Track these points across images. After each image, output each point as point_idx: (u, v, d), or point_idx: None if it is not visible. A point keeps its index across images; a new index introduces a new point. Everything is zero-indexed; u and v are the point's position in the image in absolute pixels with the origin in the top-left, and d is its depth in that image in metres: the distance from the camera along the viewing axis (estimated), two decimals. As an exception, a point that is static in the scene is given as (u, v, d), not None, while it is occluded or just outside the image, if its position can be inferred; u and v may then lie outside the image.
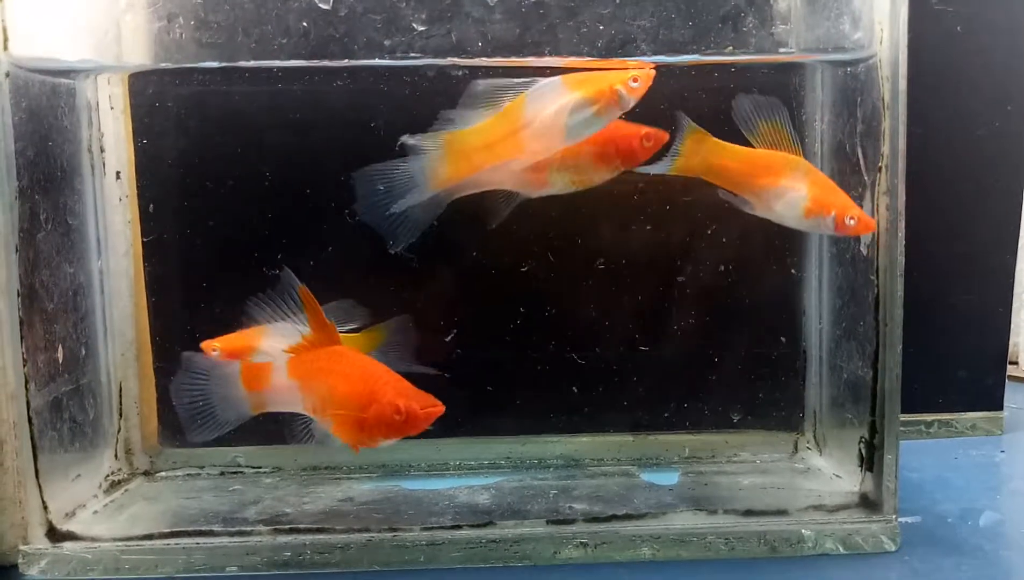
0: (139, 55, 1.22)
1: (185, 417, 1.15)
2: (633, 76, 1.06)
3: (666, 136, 1.12)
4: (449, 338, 1.38)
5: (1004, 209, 1.56)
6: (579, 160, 1.08)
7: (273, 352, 1.16)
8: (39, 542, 1.12)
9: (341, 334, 1.15)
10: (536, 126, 1.06)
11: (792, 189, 1.12)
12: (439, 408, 1.03)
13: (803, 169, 1.13)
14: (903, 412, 1.58)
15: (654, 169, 1.14)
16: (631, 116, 1.12)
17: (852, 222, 1.11)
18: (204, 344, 1.18)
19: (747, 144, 1.15)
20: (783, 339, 1.40)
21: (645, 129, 1.10)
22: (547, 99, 1.06)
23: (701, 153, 1.14)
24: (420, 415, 1.02)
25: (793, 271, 1.38)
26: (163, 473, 1.40)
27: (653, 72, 1.07)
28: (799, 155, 1.14)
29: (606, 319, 1.40)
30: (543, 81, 1.08)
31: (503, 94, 1.06)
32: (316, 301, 1.09)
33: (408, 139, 1.08)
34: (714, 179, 1.16)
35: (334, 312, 1.19)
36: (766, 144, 1.14)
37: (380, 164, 1.09)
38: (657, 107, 1.33)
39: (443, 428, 1.38)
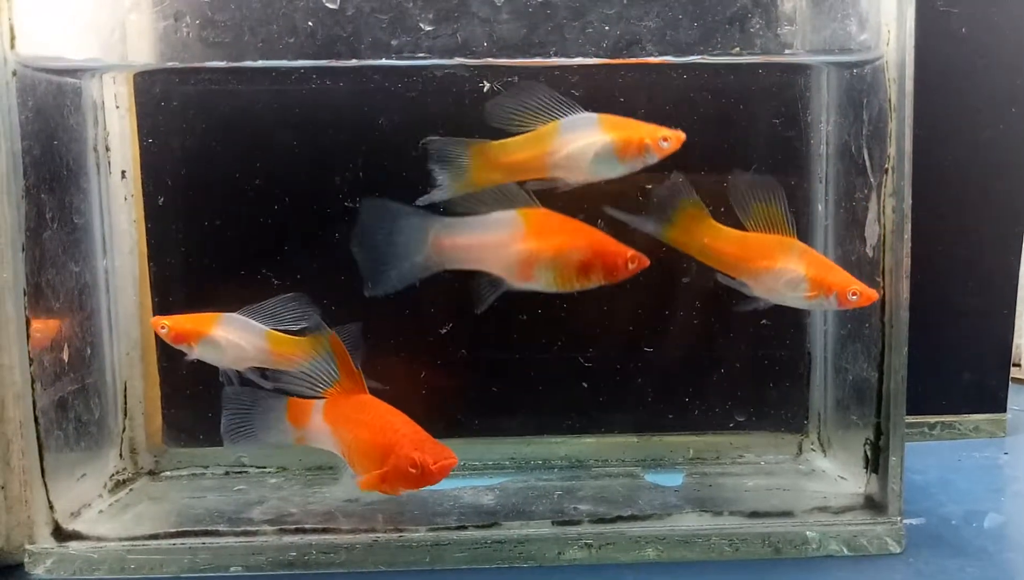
0: (145, 54, 1.22)
1: (230, 442, 1.19)
2: (664, 136, 1.10)
3: (647, 261, 1.14)
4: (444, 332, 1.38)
5: (1008, 211, 1.57)
6: (566, 264, 1.12)
7: (224, 342, 1.21)
8: (45, 541, 1.12)
9: (288, 335, 1.21)
10: (562, 155, 1.10)
11: (790, 272, 1.14)
12: (452, 461, 1.06)
13: (798, 251, 1.15)
14: (907, 414, 1.60)
15: (644, 226, 1.17)
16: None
17: (855, 298, 1.13)
18: (154, 320, 1.24)
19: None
20: (788, 341, 1.40)
21: (631, 252, 1.13)
22: (578, 133, 1.10)
23: (696, 233, 1.16)
24: (433, 470, 1.05)
25: (798, 273, 1.38)
26: (168, 473, 1.40)
27: (683, 136, 1.11)
28: (793, 236, 1.15)
29: (611, 320, 1.40)
30: (581, 115, 1.12)
31: (546, 109, 1.10)
32: (346, 349, 1.13)
33: (433, 141, 1.11)
34: (710, 261, 1.18)
35: (284, 309, 1.23)
36: (760, 225, 1.16)
37: (392, 204, 1.11)
38: (663, 108, 1.35)
39: (448, 429, 1.40)
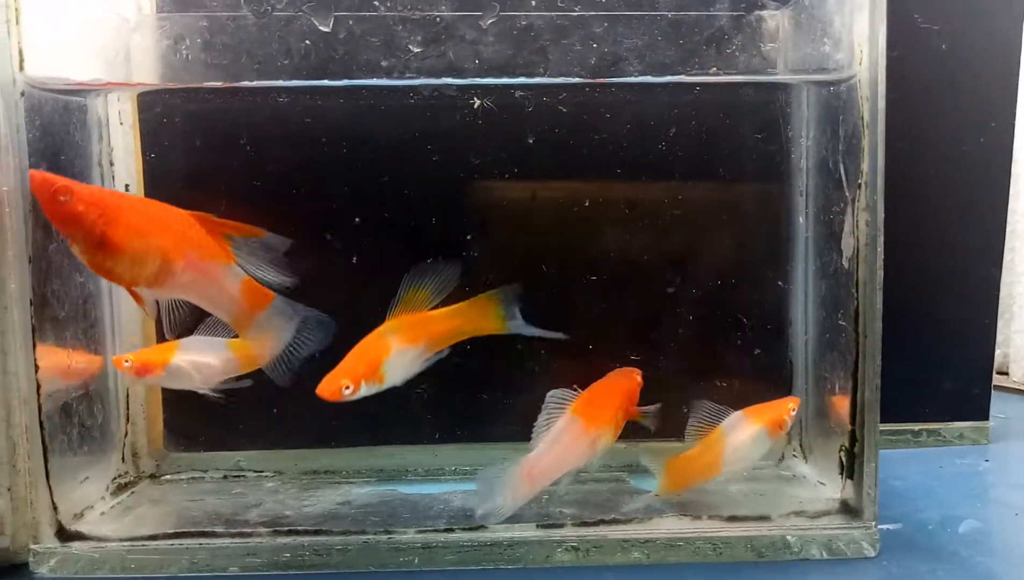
0: (147, 74, 1.26)
1: None
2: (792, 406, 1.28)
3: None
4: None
5: (989, 223, 1.60)
6: (617, 425, 1.26)
7: (188, 366, 1.24)
8: (49, 541, 1.16)
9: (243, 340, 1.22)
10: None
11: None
12: None
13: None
14: (892, 421, 1.63)
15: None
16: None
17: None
18: (115, 358, 1.26)
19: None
20: (770, 350, 1.43)
21: (637, 375, 1.30)
22: (738, 432, 1.27)
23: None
24: None
25: (780, 284, 1.42)
26: (168, 476, 1.44)
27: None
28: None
29: (598, 328, 1.44)
30: (735, 414, 1.27)
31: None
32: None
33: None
34: None
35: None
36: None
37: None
38: (648, 123, 1.39)
39: (440, 434, 1.44)
